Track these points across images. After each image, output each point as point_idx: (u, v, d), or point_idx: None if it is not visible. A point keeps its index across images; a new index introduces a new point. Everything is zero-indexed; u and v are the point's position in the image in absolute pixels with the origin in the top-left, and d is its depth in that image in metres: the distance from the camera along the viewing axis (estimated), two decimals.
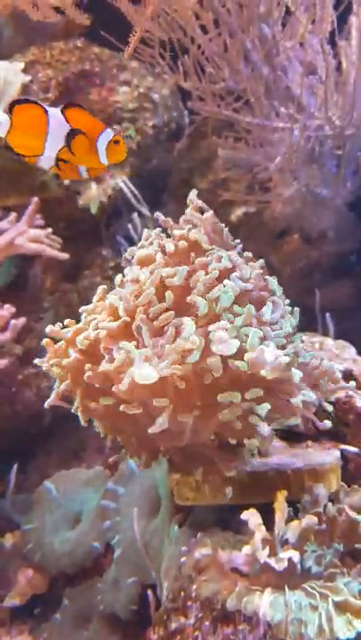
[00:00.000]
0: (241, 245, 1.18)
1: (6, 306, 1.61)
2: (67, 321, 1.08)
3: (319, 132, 1.72)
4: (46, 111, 1.06)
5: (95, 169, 1.16)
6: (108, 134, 1.08)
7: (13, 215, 1.70)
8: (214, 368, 0.91)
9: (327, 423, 1.06)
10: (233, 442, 1.01)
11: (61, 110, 1.06)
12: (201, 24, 1.63)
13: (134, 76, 2.02)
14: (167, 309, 0.97)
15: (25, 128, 1.06)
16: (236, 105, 1.75)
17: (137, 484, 1.46)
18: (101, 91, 1.97)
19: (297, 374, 0.94)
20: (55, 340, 1.08)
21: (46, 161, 1.11)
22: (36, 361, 1.09)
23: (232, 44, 1.61)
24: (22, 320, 1.60)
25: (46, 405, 1.07)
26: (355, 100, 1.58)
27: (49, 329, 1.07)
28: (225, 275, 1.01)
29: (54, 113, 1.06)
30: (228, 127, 1.88)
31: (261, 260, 1.13)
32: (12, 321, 1.58)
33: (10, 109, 1.05)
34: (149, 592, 1.26)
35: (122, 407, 0.95)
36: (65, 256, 1.74)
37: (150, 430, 0.92)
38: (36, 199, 1.70)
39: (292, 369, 0.93)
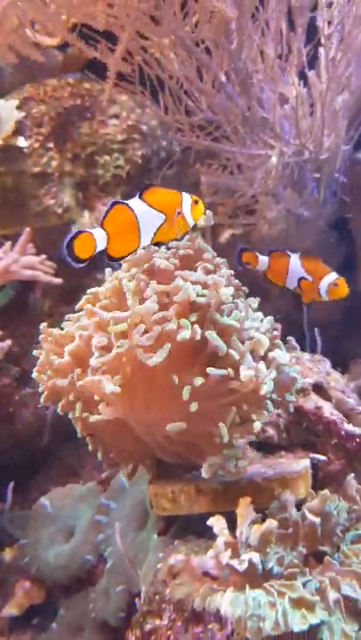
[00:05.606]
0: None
1: None
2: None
3: (298, 157, 1.80)
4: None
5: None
6: (331, 277, 1.18)
7: (8, 244, 1.80)
8: None
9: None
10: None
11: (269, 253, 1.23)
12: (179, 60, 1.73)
13: (123, 109, 2.13)
14: None
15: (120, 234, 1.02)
16: (216, 133, 1.84)
17: (127, 499, 1.53)
18: (92, 124, 2.08)
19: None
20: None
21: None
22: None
23: (207, 77, 1.71)
24: (7, 342, 1.69)
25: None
26: (324, 128, 1.66)
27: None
28: None
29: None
30: (211, 155, 1.97)
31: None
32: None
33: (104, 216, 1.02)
34: (137, 600, 1.33)
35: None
36: (58, 281, 1.83)
37: None
38: (27, 229, 1.80)
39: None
